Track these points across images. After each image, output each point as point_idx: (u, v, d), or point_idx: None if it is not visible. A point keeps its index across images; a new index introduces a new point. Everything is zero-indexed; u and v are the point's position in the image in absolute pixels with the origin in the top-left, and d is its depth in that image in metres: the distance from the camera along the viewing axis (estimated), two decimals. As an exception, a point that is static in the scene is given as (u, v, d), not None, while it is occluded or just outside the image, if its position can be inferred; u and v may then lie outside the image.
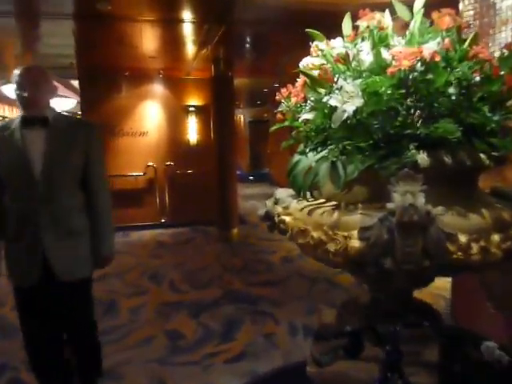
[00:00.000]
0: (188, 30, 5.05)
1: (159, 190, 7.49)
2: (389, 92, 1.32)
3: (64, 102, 10.93)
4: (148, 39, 5.33)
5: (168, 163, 7.45)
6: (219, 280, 4.63)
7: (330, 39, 1.57)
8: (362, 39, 1.48)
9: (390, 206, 1.25)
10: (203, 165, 7.44)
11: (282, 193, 1.96)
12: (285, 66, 7.27)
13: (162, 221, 7.54)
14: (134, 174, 7.34)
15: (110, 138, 7.23)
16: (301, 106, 1.66)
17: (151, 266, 5.19)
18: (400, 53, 1.29)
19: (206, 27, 4.79)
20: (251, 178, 15.99)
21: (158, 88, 7.42)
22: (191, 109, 7.51)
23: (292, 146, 1.84)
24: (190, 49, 5.97)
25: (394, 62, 1.29)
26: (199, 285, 4.49)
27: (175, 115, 7.52)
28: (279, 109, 1.86)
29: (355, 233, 1.32)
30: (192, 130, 7.59)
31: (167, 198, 7.53)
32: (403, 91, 1.32)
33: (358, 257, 1.33)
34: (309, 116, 1.60)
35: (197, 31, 5.08)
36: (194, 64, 6.53)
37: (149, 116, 7.43)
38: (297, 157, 1.71)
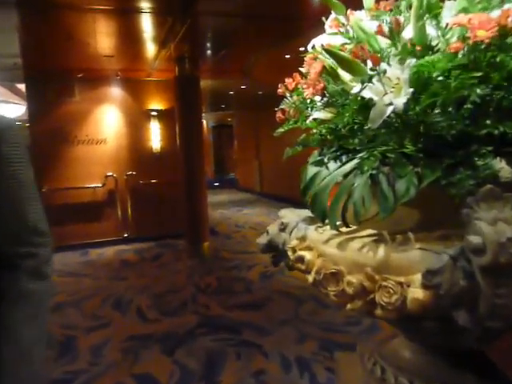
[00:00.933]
0: (148, 23, 4.52)
1: (120, 202, 6.86)
2: (460, 76, 0.88)
3: (9, 109, 10.05)
4: (102, 34, 4.76)
5: (129, 173, 6.84)
6: (193, 304, 4.10)
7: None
8: (392, 11, 1.07)
9: (473, 239, 0.81)
10: (168, 173, 6.89)
11: (289, 215, 1.51)
12: (253, 65, 6.84)
13: (125, 235, 6.91)
14: (92, 185, 6.69)
15: (64, 147, 6.56)
16: (312, 101, 1.21)
17: (114, 290, 4.60)
18: (473, 20, 0.86)
19: (170, 20, 4.28)
20: (217, 184, 15.47)
21: (116, 91, 6.80)
22: (153, 113, 6.93)
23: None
24: (151, 46, 5.43)
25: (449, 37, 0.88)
26: (171, 311, 3.95)
27: (136, 120, 6.92)
28: (281, 106, 1.43)
29: (417, 278, 0.88)
30: (155, 136, 7.01)
31: (130, 211, 6.91)
32: (477, 74, 0.88)
33: (422, 311, 0.89)
34: (324, 115, 1.17)
35: (158, 25, 4.57)
36: (156, 64, 5.98)
37: (107, 122, 6.80)
38: (312, 168, 1.25)
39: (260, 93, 9.43)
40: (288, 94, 1.33)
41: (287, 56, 5.67)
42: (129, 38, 5.00)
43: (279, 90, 1.38)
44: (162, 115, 6.96)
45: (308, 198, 1.18)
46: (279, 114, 1.48)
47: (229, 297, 4.24)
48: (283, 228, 1.46)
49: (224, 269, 5.22)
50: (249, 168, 12.88)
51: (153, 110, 6.92)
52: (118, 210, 6.86)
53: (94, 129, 6.71)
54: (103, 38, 4.86)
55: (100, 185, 6.70)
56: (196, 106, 5.71)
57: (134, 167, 6.89)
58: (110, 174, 6.75)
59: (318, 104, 1.17)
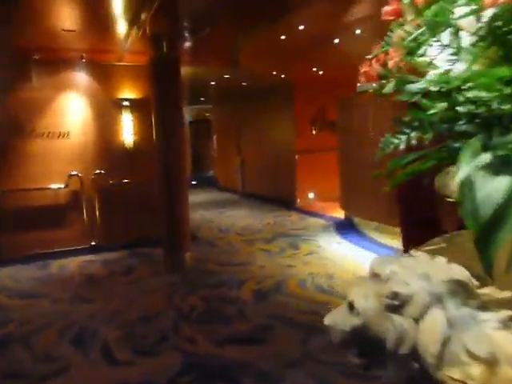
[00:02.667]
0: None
1: (87, 206, 5.94)
2: None
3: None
4: (60, 2, 3.86)
5: (97, 171, 5.93)
6: (175, 336, 3.28)
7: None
8: None
9: None
10: (143, 172, 6.02)
11: (402, 274, 0.65)
12: (240, 49, 6.03)
13: (92, 243, 6.01)
14: (53, 186, 5.75)
15: (20, 141, 5.60)
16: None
17: (76, 317, 3.72)
18: None
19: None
20: (194, 183, 14.56)
21: (80, 77, 5.87)
22: (125, 103, 6.03)
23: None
24: (121, 22, 4.56)
25: None
26: (147, 348, 3.12)
27: (105, 111, 6.01)
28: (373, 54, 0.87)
29: None
30: (127, 130, 6.12)
31: (98, 215, 6.00)
32: None
33: None
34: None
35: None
36: (128, 44, 5.10)
37: (70, 113, 5.86)
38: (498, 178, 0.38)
39: (244, 84, 8.62)
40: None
41: (283, 37, 4.90)
42: (93, 8, 4.11)
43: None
44: (135, 105, 6.07)
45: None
46: (366, 68, 0.79)
47: (219, 325, 3.44)
48: (397, 305, 0.64)
49: (210, 286, 4.41)
50: (229, 166, 12.05)
51: (125, 100, 6.02)
52: (84, 215, 5.95)
53: (55, 120, 5.76)
54: (61, 7, 3.96)
55: (62, 185, 5.77)
56: (175, 93, 4.85)
57: (102, 165, 5.98)
58: (75, 172, 5.82)
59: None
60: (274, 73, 7.43)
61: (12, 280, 4.85)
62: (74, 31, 4.56)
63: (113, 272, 5.06)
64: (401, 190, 3.29)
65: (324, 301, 3.85)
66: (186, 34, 5.33)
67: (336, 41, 5.20)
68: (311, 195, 9.27)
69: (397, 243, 5.39)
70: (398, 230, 5.44)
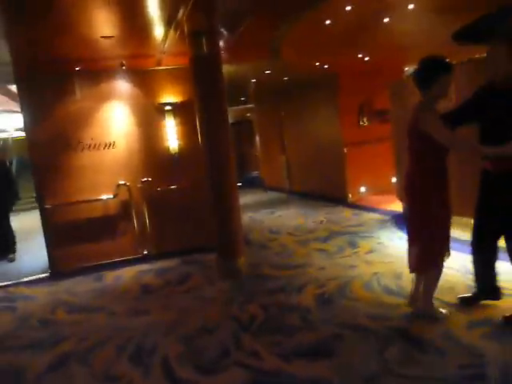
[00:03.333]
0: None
1: (136, 214, 5.87)
2: None
3: (10, 119, 9.18)
4: (98, 10, 3.74)
5: (144, 179, 5.85)
6: (237, 350, 3.05)
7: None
8: None
9: None
10: (190, 177, 5.90)
11: None
12: (281, 40, 5.73)
13: (145, 253, 5.93)
14: (102, 197, 5.72)
15: (66, 155, 5.61)
16: None
17: (133, 331, 3.58)
18: None
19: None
20: (239, 184, 14.40)
21: (121, 85, 5.79)
22: (168, 107, 5.91)
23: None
24: (158, 24, 4.42)
25: None
26: (209, 364, 2.91)
27: (148, 118, 5.92)
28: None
29: None
30: (171, 135, 5.99)
31: (148, 223, 5.92)
32: None
33: None
34: None
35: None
36: (166, 46, 4.96)
37: (114, 122, 5.81)
38: None
39: (286, 79, 8.32)
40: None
41: (327, 22, 4.57)
42: (129, 11, 3.97)
43: None
44: (178, 109, 5.93)
45: None
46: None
47: (282, 336, 3.17)
48: None
49: (267, 292, 4.16)
50: (275, 165, 11.79)
51: (167, 104, 5.90)
52: (135, 224, 5.88)
53: (99, 131, 5.73)
54: (97, 13, 3.85)
55: (111, 196, 5.72)
56: (219, 93, 4.64)
57: (149, 173, 5.89)
58: (122, 182, 5.76)
59: None
60: (317, 63, 7.09)
61: (70, 293, 4.82)
62: (113, 37, 4.46)
63: (166, 281, 4.92)
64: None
65: (395, 303, 3.50)
66: (224, 30, 5.12)
67: (386, 20, 4.80)
68: (363, 189, 8.84)
69: (466, 235, 4.92)
70: (466, 220, 4.97)
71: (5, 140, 15.73)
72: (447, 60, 2.87)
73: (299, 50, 5.99)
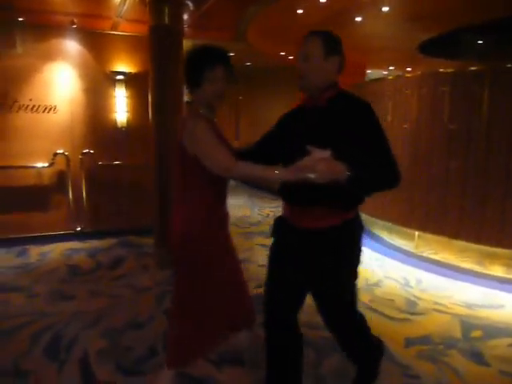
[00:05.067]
0: None
1: (73, 187, 5.43)
2: None
3: None
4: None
5: (86, 151, 5.41)
6: (165, 352, 2.84)
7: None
8: None
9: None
10: (136, 154, 5.53)
11: None
12: (248, 24, 5.47)
13: (78, 229, 5.52)
14: (37, 164, 5.23)
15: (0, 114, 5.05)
16: None
17: (53, 318, 3.26)
18: None
19: None
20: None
21: (70, 45, 5.28)
22: (119, 77, 5.47)
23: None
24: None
25: None
26: (132, 364, 2.68)
27: (97, 85, 5.46)
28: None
29: None
30: (121, 107, 5.57)
31: (85, 198, 5.50)
32: None
33: None
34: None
35: None
36: (124, 10, 4.55)
37: (58, 84, 5.30)
38: None
39: (248, 64, 8.06)
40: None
41: (300, 11, 4.36)
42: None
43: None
44: (130, 80, 5.52)
45: None
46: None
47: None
48: None
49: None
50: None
51: (119, 73, 5.46)
52: (70, 197, 5.44)
53: (40, 92, 5.20)
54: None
55: (46, 164, 5.25)
56: (177, 69, 4.32)
57: (91, 144, 5.45)
58: (61, 151, 5.29)
59: None
60: (283, 53, 6.89)
61: (-15, 268, 4.36)
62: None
63: (98, 263, 4.58)
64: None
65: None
66: (190, 3, 4.78)
67: (358, 19, 4.68)
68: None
69: (409, 245, 4.99)
70: (410, 231, 5.04)
71: None
72: (219, 48, 2.10)
73: (266, 37, 5.76)
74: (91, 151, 5.43)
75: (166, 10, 4.20)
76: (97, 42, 5.37)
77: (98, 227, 5.57)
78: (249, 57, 7.18)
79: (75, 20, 4.99)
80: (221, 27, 5.57)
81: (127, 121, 5.62)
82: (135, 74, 5.52)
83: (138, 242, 5.32)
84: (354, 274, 1.99)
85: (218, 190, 2.12)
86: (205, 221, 2.09)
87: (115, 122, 5.59)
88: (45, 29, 5.09)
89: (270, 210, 7.37)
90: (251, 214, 7.10)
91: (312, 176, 1.62)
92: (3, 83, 5.01)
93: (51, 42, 5.17)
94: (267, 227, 6.13)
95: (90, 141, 5.46)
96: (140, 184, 5.52)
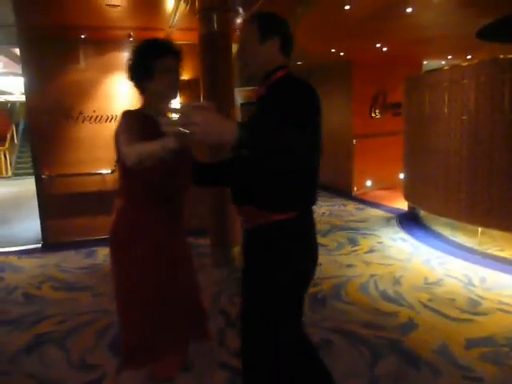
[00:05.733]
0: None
1: (134, 192, 5.71)
2: None
3: (11, 82, 8.98)
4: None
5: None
6: (221, 348, 2.92)
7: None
8: None
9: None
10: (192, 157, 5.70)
11: None
12: (296, 24, 5.47)
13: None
14: (101, 171, 5.57)
15: (66, 125, 5.45)
16: None
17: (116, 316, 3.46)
18: None
19: None
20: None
21: (127, 57, 5.57)
22: (173, 84, 5.69)
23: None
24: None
25: None
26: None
27: (153, 93, 5.70)
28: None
29: None
30: (175, 113, 5.79)
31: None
32: None
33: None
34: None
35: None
36: (175, 20, 4.73)
37: (118, 95, 5.61)
38: None
39: (299, 63, 8.05)
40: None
41: (347, 7, 4.31)
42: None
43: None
44: (184, 87, 5.72)
45: None
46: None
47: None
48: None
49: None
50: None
51: (173, 81, 5.68)
52: (132, 202, 5.73)
53: (102, 103, 5.55)
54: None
55: (109, 171, 5.58)
56: (227, 72, 4.43)
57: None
58: (122, 158, 5.60)
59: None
60: (332, 50, 6.81)
61: (59, 269, 4.71)
62: (119, 6, 4.23)
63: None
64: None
65: (390, 311, 3.35)
66: (238, 8, 4.87)
67: (408, 10, 4.53)
68: (369, 183, 8.64)
69: (472, 242, 4.76)
70: (473, 228, 4.80)
71: (12, 103, 15.57)
72: (169, 41, 1.95)
73: (314, 35, 5.72)
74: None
75: (215, 17, 4.31)
76: (152, 53, 5.61)
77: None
78: (299, 56, 7.16)
79: (132, 33, 5.25)
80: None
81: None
82: (188, 80, 5.71)
83: (194, 242, 5.48)
84: (284, 289, 1.63)
85: (151, 191, 1.88)
86: (128, 223, 1.94)
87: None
88: (104, 44, 5.42)
89: (326, 208, 7.31)
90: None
91: (187, 131, 1.27)
92: (70, 97, 5.39)
93: (110, 55, 5.49)
94: (323, 226, 6.09)
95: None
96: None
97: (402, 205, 6.87)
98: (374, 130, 8.30)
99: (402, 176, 6.81)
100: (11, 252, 5.42)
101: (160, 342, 1.89)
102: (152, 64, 1.84)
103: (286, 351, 1.67)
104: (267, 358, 1.64)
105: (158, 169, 1.69)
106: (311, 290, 3.84)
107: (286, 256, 1.63)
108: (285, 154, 1.36)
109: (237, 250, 4.67)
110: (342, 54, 7.19)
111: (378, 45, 6.63)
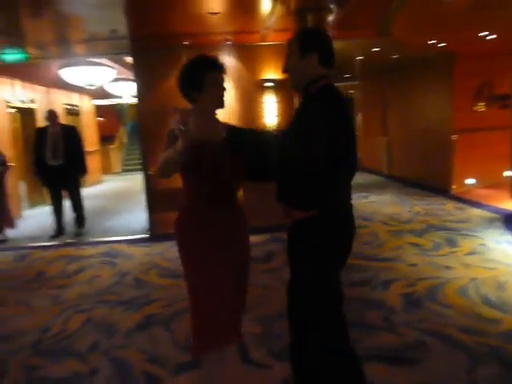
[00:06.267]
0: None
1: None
2: None
3: (123, 87, 9.82)
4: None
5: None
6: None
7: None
8: None
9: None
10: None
11: None
12: (391, 19, 5.34)
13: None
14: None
15: (167, 129, 5.87)
16: None
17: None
18: None
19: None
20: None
21: (226, 60, 5.87)
22: (268, 84, 5.88)
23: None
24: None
25: None
26: (282, 350, 2.93)
27: (248, 93, 5.96)
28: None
29: None
30: (270, 112, 5.98)
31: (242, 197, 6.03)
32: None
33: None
34: None
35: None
36: (271, 22, 4.88)
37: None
38: None
39: (395, 57, 7.79)
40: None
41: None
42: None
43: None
44: (278, 86, 5.88)
45: None
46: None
47: (361, 334, 3.06)
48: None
49: (351, 283, 4.02)
50: (374, 146, 11.28)
51: (268, 81, 5.87)
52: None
53: (202, 104, 5.90)
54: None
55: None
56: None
57: (245, 148, 5.96)
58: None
59: None
60: (434, 41, 6.49)
61: (163, 258, 5.15)
62: (219, 13, 4.49)
63: (253, 257, 5.01)
64: None
65: (493, 318, 3.18)
66: (333, 6, 4.88)
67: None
68: (470, 181, 8.10)
69: None
70: None
71: (121, 105, 17.07)
72: (214, 57, 2.17)
73: (413, 27, 5.52)
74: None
75: (310, 17, 4.39)
76: (248, 54, 5.86)
77: (253, 223, 6.04)
78: (395, 49, 6.95)
79: (229, 37, 5.53)
80: (363, 25, 5.54)
81: (277, 124, 6.00)
82: (283, 79, 5.84)
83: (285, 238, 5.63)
84: (316, 276, 1.90)
85: (202, 193, 2.08)
86: (184, 220, 2.15)
87: (265, 126, 6.01)
88: (204, 48, 5.73)
89: (422, 207, 7.02)
90: (401, 211, 6.87)
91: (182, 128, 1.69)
92: (174, 100, 5.79)
93: (210, 59, 5.81)
94: (418, 225, 5.89)
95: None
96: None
97: (509, 205, 6.37)
98: (477, 125, 7.76)
99: (509, 173, 6.30)
100: (122, 240, 6.03)
101: (221, 328, 2.03)
102: (202, 77, 2.06)
103: (328, 315, 1.96)
104: (312, 324, 1.92)
105: (202, 172, 1.99)
106: (405, 289, 3.78)
107: (309, 249, 1.90)
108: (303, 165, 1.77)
109: (328, 246, 4.72)
110: (441, 45, 6.83)
111: (483, 33, 6.19)
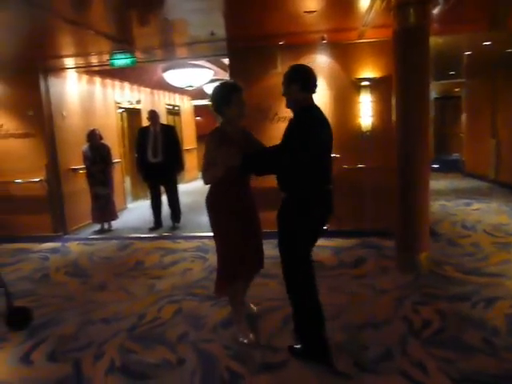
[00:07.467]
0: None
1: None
2: None
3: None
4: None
5: (332, 155, 5.79)
6: (402, 357, 2.83)
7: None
8: None
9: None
10: (380, 157, 5.60)
11: None
12: (507, 10, 4.84)
13: (324, 228, 5.96)
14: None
15: (263, 126, 5.93)
16: None
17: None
18: None
19: None
20: (436, 166, 13.17)
21: (321, 58, 5.78)
22: (364, 83, 5.67)
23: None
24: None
25: None
26: (368, 363, 2.79)
27: (343, 93, 5.80)
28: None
29: None
30: (365, 112, 5.76)
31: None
32: None
33: None
34: None
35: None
36: (369, 18, 4.68)
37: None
38: None
39: (510, 50, 7.06)
40: None
41: None
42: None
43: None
44: (375, 85, 5.64)
45: None
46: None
47: (457, 354, 2.81)
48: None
49: (449, 297, 3.73)
50: (481, 148, 10.36)
51: (364, 80, 5.66)
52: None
53: (295, 104, 5.87)
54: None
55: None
56: (422, 67, 4.22)
57: (337, 149, 5.77)
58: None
59: None
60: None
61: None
62: (315, 12, 4.41)
63: (341, 261, 4.89)
64: None
65: None
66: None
67: None
68: None
69: None
70: None
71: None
72: (237, 83, 3.13)
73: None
74: (337, 155, 5.78)
75: (412, 11, 4.13)
76: (343, 53, 5.71)
77: (341, 227, 5.90)
78: (509, 43, 6.29)
79: (325, 36, 5.43)
80: (472, 18, 5.08)
81: (372, 125, 5.77)
82: (380, 78, 5.61)
83: (379, 243, 5.40)
84: (296, 236, 2.79)
85: (231, 176, 2.90)
86: (219, 193, 3.07)
87: (360, 127, 5.81)
88: (299, 47, 5.73)
89: (535, 217, 6.29)
90: (509, 221, 6.22)
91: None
92: (268, 99, 5.86)
93: (305, 58, 5.75)
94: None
95: (337, 146, 5.78)
96: (381, 186, 5.58)
97: None
98: None
99: None
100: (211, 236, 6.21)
101: (241, 271, 3.13)
102: (231, 97, 2.94)
103: (302, 262, 2.88)
104: (292, 266, 2.88)
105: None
106: (509, 310, 3.40)
107: (292, 218, 2.75)
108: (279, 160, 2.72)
109: (424, 255, 4.42)
110: None
111: None
